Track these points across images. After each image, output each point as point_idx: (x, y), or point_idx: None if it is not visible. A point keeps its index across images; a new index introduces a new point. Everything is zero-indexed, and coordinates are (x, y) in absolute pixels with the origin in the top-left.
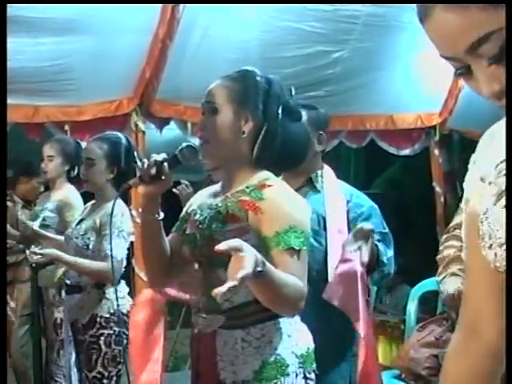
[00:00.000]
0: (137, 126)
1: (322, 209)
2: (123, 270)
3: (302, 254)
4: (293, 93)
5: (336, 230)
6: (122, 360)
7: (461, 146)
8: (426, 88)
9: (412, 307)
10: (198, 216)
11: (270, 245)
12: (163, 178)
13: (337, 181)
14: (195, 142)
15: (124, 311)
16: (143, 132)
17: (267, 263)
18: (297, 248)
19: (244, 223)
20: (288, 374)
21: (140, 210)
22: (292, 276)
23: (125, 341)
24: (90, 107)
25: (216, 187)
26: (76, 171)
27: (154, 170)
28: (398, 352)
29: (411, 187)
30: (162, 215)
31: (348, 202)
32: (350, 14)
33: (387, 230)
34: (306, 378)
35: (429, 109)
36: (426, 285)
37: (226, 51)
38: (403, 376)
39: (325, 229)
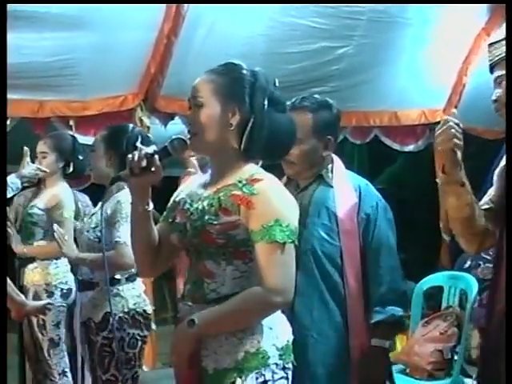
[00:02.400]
0: (141, 121)
1: (333, 205)
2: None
3: (286, 248)
4: (277, 84)
5: (346, 229)
6: (138, 363)
7: (465, 143)
8: (430, 84)
9: (416, 303)
10: (187, 206)
11: (256, 239)
12: (153, 169)
13: (346, 174)
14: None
15: (139, 310)
16: (148, 127)
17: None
18: (281, 241)
19: (235, 217)
20: (269, 365)
21: (130, 201)
22: (242, 294)
23: (140, 343)
24: (95, 102)
25: (205, 177)
26: (72, 168)
27: (144, 162)
28: (403, 347)
29: (415, 183)
30: (151, 206)
31: (358, 195)
32: (354, 10)
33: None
34: (284, 368)
35: (433, 105)
36: (430, 280)
37: (231, 47)
38: (408, 371)
39: (337, 225)
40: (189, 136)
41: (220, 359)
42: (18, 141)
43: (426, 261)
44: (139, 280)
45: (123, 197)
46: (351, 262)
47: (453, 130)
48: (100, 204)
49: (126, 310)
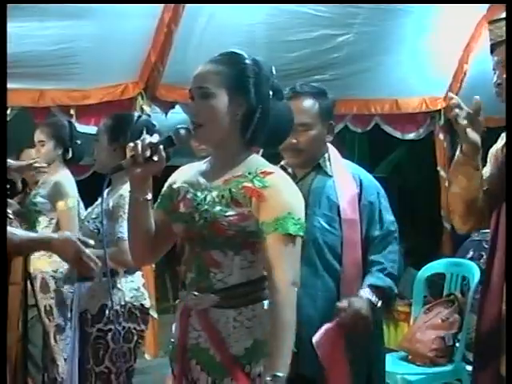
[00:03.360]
0: (142, 109)
1: (333, 194)
2: None
3: (296, 242)
4: (273, 72)
5: (348, 218)
6: (133, 357)
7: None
8: (430, 72)
9: (418, 290)
10: (191, 195)
11: (268, 230)
12: (156, 159)
13: (344, 163)
14: None
15: (136, 304)
16: (148, 116)
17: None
18: (293, 234)
19: (246, 209)
20: None
21: (129, 190)
22: (278, 321)
23: (135, 337)
24: (96, 91)
25: (201, 165)
26: (71, 153)
27: (148, 152)
28: (405, 334)
29: (416, 171)
30: (150, 196)
31: (359, 185)
32: None
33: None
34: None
35: (434, 93)
36: (432, 267)
37: (232, 35)
38: (410, 358)
39: (338, 215)
40: (193, 127)
41: (229, 347)
42: (18, 130)
43: (428, 249)
44: (139, 273)
45: (126, 191)
46: (352, 250)
47: (456, 110)
48: (104, 196)
49: (122, 302)
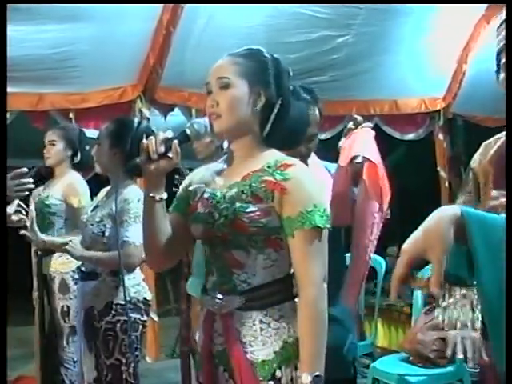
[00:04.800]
0: (141, 112)
1: None
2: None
3: (323, 235)
4: (291, 74)
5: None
6: (139, 346)
7: (465, 131)
8: (429, 72)
9: (418, 291)
10: (208, 194)
11: (295, 225)
12: (170, 155)
13: (317, 160)
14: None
15: (140, 298)
16: (148, 119)
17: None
18: (322, 227)
19: (268, 204)
20: None
21: (144, 189)
22: (305, 317)
23: (140, 326)
24: (95, 94)
25: (217, 165)
26: (79, 157)
27: (162, 148)
28: (406, 335)
29: (416, 172)
30: (165, 195)
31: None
32: None
33: None
34: None
35: (433, 93)
36: None
37: (231, 37)
38: (411, 359)
39: None
40: (211, 120)
41: (257, 351)
42: (17, 134)
43: None
44: (138, 269)
45: (130, 194)
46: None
47: None
48: (103, 197)
49: (127, 298)
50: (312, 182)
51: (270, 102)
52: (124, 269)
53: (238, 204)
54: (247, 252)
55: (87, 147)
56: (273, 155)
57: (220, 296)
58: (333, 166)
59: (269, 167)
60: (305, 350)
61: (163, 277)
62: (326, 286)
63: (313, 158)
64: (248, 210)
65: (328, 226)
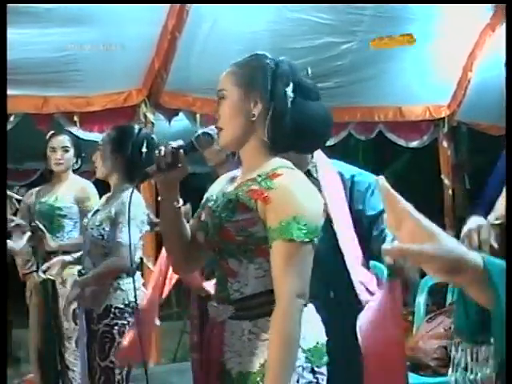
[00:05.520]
0: (146, 117)
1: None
2: (139, 259)
3: (304, 249)
4: (309, 72)
5: (339, 218)
6: None
7: (469, 139)
8: (434, 79)
9: (421, 299)
10: (211, 203)
11: (273, 235)
12: (180, 165)
13: (329, 162)
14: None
15: (139, 302)
16: (152, 123)
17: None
18: (297, 240)
19: (253, 214)
20: (294, 369)
21: (160, 198)
22: (272, 329)
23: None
24: (99, 98)
25: (235, 172)
26: (79, 164)
27: (170, 158)
28: (407, 343)
29: (420, 179)
30: (181, 202)
31: (349, 180)
32: (358, 5)
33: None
34: (314, 372)
35: (437, 101)
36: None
37: (235, 42)
38: (412, 367)
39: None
40: (216, 131)
41: (244, 361)
42: (21, 137)
43: None
44: (138, 273)
45: (128, 198)
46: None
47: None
48: (104, 202)
49: (126, 302)
50: (299, 192)
51: (266, 107)
52: (120, 271)
53: (225, 213)
54: (239, 261)
55: (83, 154)
56: (273, 163)
57: (215, 304)
58: (346, 168)
59: (260, 176)
60: (267, 363)
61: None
62: (300, 303)
63: (323, 160)
64: (234, 219)
65: (307, 239)
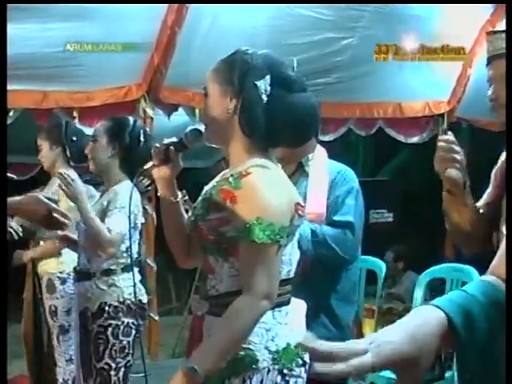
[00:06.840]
0: (145, 112)
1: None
2: (126, 250)
3: (269, 250)
4: (294, 64)
5: (312, 209)
6: (131, 351)
7: (469, 135)
8: (434, 76)
9: (419, 294)
10: (199, 199)
11: (240, 237)
12: (173, 161)
13: (326, 160)
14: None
15: (134, 300)
16: (151, 118)
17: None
18: (258, 242)
19: (224, 213)
20: (258, 370)
21: (158, 193)
22: (227, 313)
23: (134, 331)
24: (99, 93)
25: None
26: (68, 152)
27: (162, 155)
28: None
29: (419, 175)
30: (180, 196)
31: (334, 178)
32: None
33: (352, 220)
34: (282, 374)
35: (437, 96)
36: (433, 272)
37: (235, 38)
38: None
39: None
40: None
41: None
42: (21, 131)
43: (430, 252)
44: (136, 270)
45: (121, 188)
46: None
47: (448, 155)
48: (98, 197)
49: (121, 299)
50: (265, 192)
51: (238, 102)
52: (100, 254)
53: (200, 211)
54: (216, 259)
55: (74, 138)
56: (249, 163)
57: (195, 297)
58: (340, 167)
59: (232, 175)
60: (205, 342)
61: (165, 275)
62: (263, 304)
63: (321, 159)
64: (207, 218)
65: (269, 241)
